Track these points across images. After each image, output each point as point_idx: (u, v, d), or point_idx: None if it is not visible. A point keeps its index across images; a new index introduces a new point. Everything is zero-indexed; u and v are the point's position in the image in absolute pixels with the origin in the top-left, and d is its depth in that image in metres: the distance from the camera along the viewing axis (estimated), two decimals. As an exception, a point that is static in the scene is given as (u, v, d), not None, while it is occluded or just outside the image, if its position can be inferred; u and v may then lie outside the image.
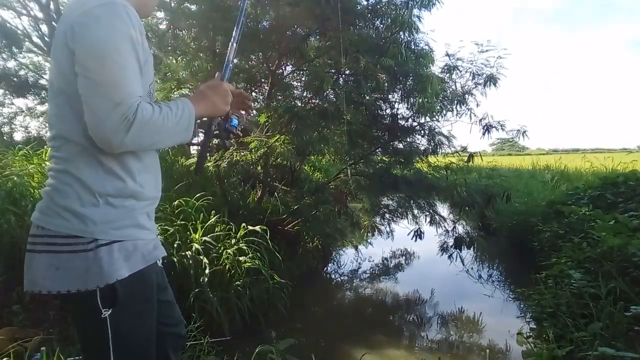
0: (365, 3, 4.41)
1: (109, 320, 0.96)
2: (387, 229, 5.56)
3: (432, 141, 4.66)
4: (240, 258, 3.29)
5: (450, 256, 4.91)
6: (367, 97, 4.56)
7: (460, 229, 5.16)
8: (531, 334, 3.13)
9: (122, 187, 0.99)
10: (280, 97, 5.08)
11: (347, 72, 4.54)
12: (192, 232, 3.29)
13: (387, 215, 5.44)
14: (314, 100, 4.73)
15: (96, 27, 0.89)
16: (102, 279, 0.94)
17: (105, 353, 0.98)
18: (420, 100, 4.15)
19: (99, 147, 0.93)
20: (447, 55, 4.45)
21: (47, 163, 3.65)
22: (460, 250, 4.89)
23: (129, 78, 0.91)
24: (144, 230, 1.04)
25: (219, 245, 3.33)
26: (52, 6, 9.16)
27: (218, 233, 3.40)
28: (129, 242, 0.99)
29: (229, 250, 3.28)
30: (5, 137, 9.52)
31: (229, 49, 1.28)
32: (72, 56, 0.91)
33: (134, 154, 1.01)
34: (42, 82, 10.43)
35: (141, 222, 1.03)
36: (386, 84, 4.45)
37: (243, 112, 1.29)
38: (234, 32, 1.28)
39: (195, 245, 3.12)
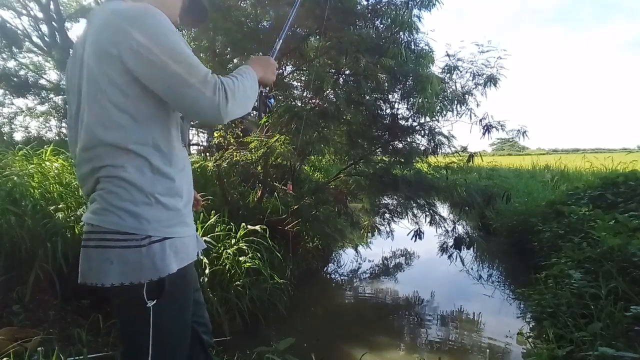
0: (365, 3, 4.41)
1: (152, 311, 1.02)
2: (387, 229, 5.55)
3: (432, 141, 4.66)
4: (240, 258, 3.29)
5: (450, 256, 4.91)
6: (367, 97, 4.56)
7: (460, 229, 5.16)
8: (531, 334, 3.13)
9: (171, 187, 1.06)
10: (280, 97, 5.08)
11: (347, 72, 4.54)
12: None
13: (387, 215, 5.44)
14: (314, 100, 4.72)
15: (146, 32, 0.95)
16: (155, 272, 1.00)
17: (145, 343, 1.03)
18: (420, 100, 4.14)
19: (147, 149, 1.01)
20: (447, 55, 4.45)
21: (47, 163, 3.66)
22: (460, 251, 4.89)
23: (192, 58, 0.97)
24: (188, 228, 1.12)
25: (219, 245, 3.33)
26: (52, 6, 9.17)
27: (218, 233, 3.40)
28: (178, 239, 1.06)
29: (229, 250, 3.28)
30: (5, 137, 9.50)
31: (282, 30, 1.55)
32: (120, 63, 0.95)
33: (175, 155, 1.08)
34: (42, 82, 10.43)
35: (187, 220, 1.12)
36: (386, 84, 4.45)
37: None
38: (289, 14, 1.59)
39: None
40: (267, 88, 1.32)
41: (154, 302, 1.02)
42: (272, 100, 1.35)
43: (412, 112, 4.62)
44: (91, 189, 1.07)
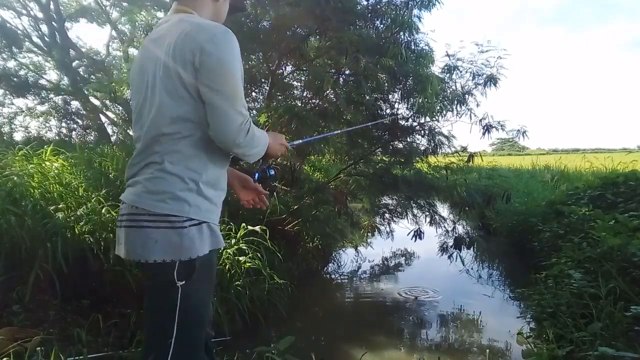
0: (365, 3, 4.41)
1: (181, 290, 1.13)
2: (387, 229, 5.56)
3: (432, 141, 4.66)
4: (240, 258, 3.29)
5: (450, 256, 4.91)
6: (367, 97, 4.56)
7: (460, 229, 5.16)
8: (531, 334, 3.13)
9: (217, 177, 1.22)
10: (280, 97, 5.08)
11: (347, 72, 4.54)
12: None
13: (387, 215, 5.44)
14: (314, 100, 4.73)
15: (222, 51, 1.13)
16: (193, 252, 1.13)
17: (170, 321, 1.14)
18: (420, 100, 4.14)
19: (200, 141, 1.15)
20: (447, 55, 4.45)
21: (47, 163, 3.66)
22: (460, 251, 4.88)
23: (242, 92, 1.16)
24: (218, 218, 1.24)
25: (219, 245, 3.32)
26: (52, 6, 9.16)
27: (218, 233, 3.40)
28: (213, 224, 1.20)
29: (228, 250, 3.28)
30: (5, 137, 9.49)
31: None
32: (195, 71, 1.11)
33: (221, 152, 1.21)
34: (42, 82, 10.42)
35: (219, 211, 1.24)
36: (386, 84, 4.45)
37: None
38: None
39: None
40: (271, 161, 1.44)
41: (184, 282, 1.13)
42: (273, 171, 1.43)
43: (412, 112, 4.62)
44: (136, 172, 1.19)
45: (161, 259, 1.11)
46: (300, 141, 1.92)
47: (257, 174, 1.43)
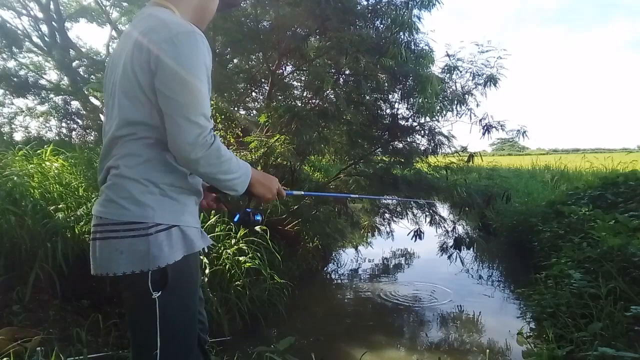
0: (365, 3, 4.42)
1: (158, 301, 1.04)
2: (387, 229, 5.56)
3: (432, 141, 4.66)
4: (240, 258, 3.29)
5: (450, 256, 4.91)
6: (367, 97, 4.56)
7: (460, 229, 5.16)
8: (531, 334, 3.13)
9: (183, 178, 1.10)
10: (280, 97, 5.08)
11: (347, 72, 4.54)
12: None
13: (387, 215, 5.44)
14: (314, 100, 4.73)
15: (181, 54, 1.00)
16: (163, 259, 1.03)
17: (153, 333, 1.06)
18: (420, 100, 4.15)
19: (158, 143, 1.05)
20: (447, 55, 4.45)
21: (47, 163, 3.66)
22: (460, 251, 4.89)
23: (203, 100, 1.03)
24: (195, 219, 1.14)
25: (219, 245, 3.32)
26: (52, 6, 9.17)
27: (218, 233, 3.40)
28: (185, 227, 1.09)
29: (228, 250, 3.28)
30: (5, 137, 9.49)
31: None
32: (151, 74, 1.01)
33: None
34: (42, 82, 10.42)
35: (194, 211, 1.15)
36: (386, 84, 4.46)
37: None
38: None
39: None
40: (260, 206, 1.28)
41: (160, 293, 1.04)
42: (259, 217, 1.27)
43: (412, 112, 4.62)
44: (102, 181, 1.12)
45: (129, 270, 1.02)
46: (302, 193, 1.66)
47: (237, 215, 1.26)
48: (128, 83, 1.04)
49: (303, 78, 5.28)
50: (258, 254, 3.41)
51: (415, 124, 4.71)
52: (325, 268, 5.58)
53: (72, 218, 2.96)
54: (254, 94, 5.71)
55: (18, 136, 10.66)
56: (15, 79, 9.62)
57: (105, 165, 1.11)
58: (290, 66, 5.11)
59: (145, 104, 1.03)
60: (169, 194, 1.07)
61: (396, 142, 4.81)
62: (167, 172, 1.07)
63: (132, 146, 1.05)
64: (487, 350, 3.01)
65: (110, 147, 1.09)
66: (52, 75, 10.81)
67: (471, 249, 5.08)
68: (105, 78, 1.21)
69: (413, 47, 4.27)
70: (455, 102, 4.39)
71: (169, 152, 1.06)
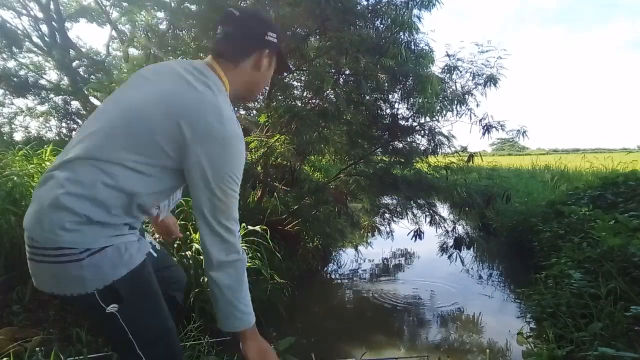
0: (365, 3, 4.41)
1: (120, 315, 1.01)
2: (387, 229, 5.55)
3: (432, 141, 4.66)
4: (240, 258, 3.29)
5: (450, 256, 4.90)
6: (367, 97, 4.56)
7: (460, 229, 5.16)
8: (531, 334, 3.13)
9: (118, 222, 1.03)
10: (280, 97, 5.08)
11: (347, 72, 4.54)
12: (192, 232, 3.28)
13: (387, 215, 5.44)
14: (314, 100, 4.72)
15: (229, 162, 1.03)
16: (100, 282, 0.98)
17: (129, 343, 1.03)
18: (420, 100, 4.15)
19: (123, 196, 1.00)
20: (447, 55, 4.45)
21: (47, 163, 3.66)
22: (460, 251, 4.88)
23: (236, 206, 1.10)
24: (132, 231, 1.09)
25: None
26: (52, 6, 9.16)
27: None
28: (122, 244, 1.02)
29: (229, 250, 3.27)
30: (5, 137, 9.49)
31: None
32: (185, 146, 0.99)
33: (154, 206, 1.15)
34: (42, 82, 10.42)
35: (137, 221, 1.09)
36: (386, 84, 4.45)
37: None
38: None
39: (196, 245, 3.11)
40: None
41: (116, 307, 1.00)
42: None
43: (412, 112, 4.62)
44: (43, 180, 1.04)
45: (69, 292, 0.98)
46: None
47: None
48: (141, 133, 0.99)
49: (303, 78, 5.28)
50: (258, 254, 3.41)
51: (415, 124, 4.71)
52: (326, 268, 5.58)
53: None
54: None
55: (18, 136, 10.67)
56: (15, 79, 9.61)
57: (55, 170, 1.01)
58: (290, 66, 5.11)
59: (149, 172, 1.01)
60: (102, 222, 0.99)
61: (396, 142, 4.80)
62: (109, 215, 0.99)
63: (90, 177, 0.97)
64: (487, 350, 3.01)
65: (73, 158, 0.99)
66: (52, 75, 10.81)
67: (471, 249, 5.08)
68: (121, 84, 1.17)
69: (413, 47, 4.27)
70: (455, 102, 4.38)
71: (123, 201, 1.00)
